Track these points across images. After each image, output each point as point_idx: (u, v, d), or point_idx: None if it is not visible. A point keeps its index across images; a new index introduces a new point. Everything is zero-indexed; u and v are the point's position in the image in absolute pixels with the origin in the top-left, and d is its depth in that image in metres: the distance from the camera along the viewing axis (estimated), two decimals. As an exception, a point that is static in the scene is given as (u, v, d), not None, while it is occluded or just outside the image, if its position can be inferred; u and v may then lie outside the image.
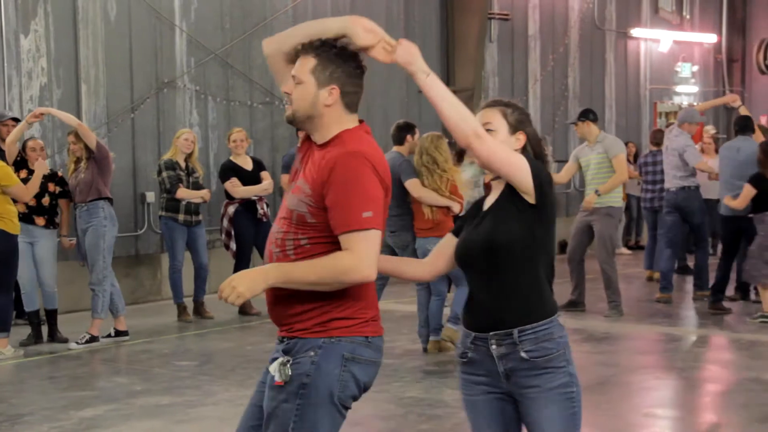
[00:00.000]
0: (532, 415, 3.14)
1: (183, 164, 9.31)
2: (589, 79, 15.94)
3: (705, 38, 17.98)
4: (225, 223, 9.61)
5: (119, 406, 6.34)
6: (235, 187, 9.55)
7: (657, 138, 11.58)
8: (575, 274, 9.62)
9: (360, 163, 2.91)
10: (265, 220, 9.74)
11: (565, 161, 15.26)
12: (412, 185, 7.64)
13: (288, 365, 2.96)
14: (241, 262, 9.70)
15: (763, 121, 18.24)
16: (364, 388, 3.04)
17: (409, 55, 2.98)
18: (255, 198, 9.66)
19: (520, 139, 3.22)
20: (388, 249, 7.78)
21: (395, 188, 7.80)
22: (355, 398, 3.02)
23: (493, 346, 3.12)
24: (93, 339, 8.30)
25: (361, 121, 3.10)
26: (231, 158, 9.77)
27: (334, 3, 12.50)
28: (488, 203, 3.25)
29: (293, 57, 3.11)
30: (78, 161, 8.41)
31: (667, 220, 10.35)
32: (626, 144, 14.95)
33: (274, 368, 2.99)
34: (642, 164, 11.93)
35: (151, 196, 10.67)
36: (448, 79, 13.90)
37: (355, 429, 5.78)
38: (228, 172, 9.62)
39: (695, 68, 17.84)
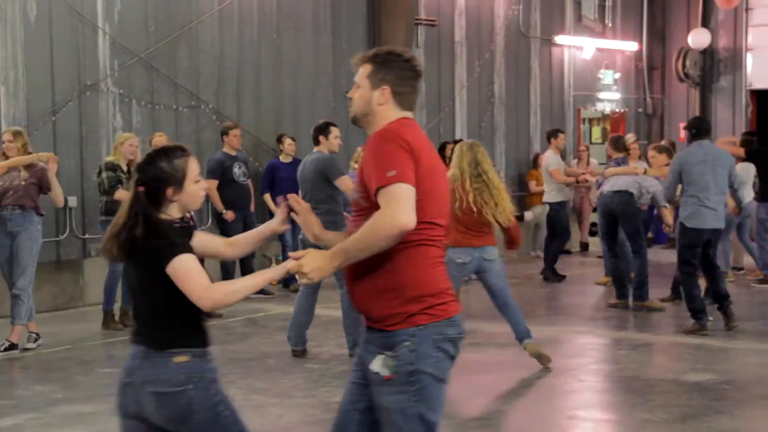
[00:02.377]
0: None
1: (125, 167, 9.17)
2: (514, 86, 16.12)
3: (626, 46, 18.32)
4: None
5: (39, 415, 6.20)
6: None
7: (619, 144, 11.53)
8: None
9: (385, 137, 3.28)
10: (191, 223, 9.61)
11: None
12: (343, 182, 7.69)
13: (391, 359, 3.25)
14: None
15: (681, 128, 18.71)
16: (453, 358, 3.36)
17: (319, 271, 3.19)
18: (180, 202, 9.53)
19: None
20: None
21: (326, 187, 7.83)
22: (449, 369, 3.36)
23: None
24: (12, 346, 8.11)
25: (412, 118, 3.44)
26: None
27: (260, 6, 12.43)
28: None
29: None
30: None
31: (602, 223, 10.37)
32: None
33: (378, 365, 3.27)
34: None
35: (73, 201, 10.47)
36: (375, 84, 13.89)
37: (282, 435, 5.76)
38: None
39: (617, 75, 18.17)
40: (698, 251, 8.67)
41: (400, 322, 3.26)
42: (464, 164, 7.35)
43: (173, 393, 3.36)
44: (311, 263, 3.18)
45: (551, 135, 13.04)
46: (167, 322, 3.42)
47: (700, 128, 8.92)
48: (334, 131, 8.02)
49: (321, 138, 7.96)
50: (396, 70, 3.41)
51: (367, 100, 3.42)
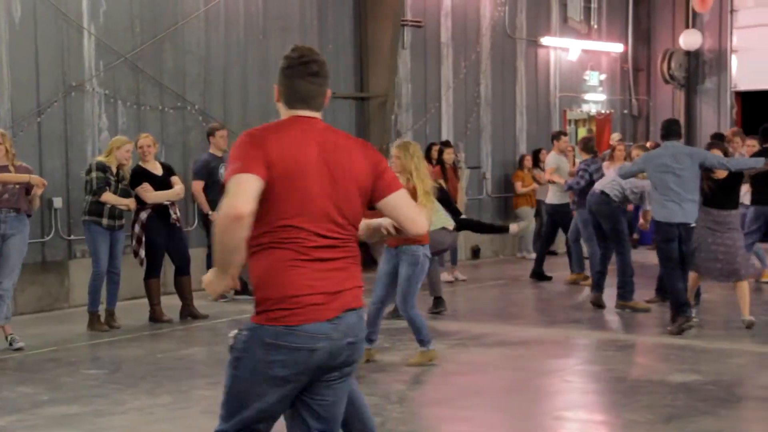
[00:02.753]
0: None
1: (115, 170, 9.14)
2: (500, 87, 16.14)
3: (612, 47, 18.38)
4: (137, 229, 9.44)
5: (24, 417, 6.18)
6: (147, 192, 9.40)
7: (588, 146, 11.57)
8: None
9: (239, 139, 3.36)
10: (178, 224, 9.62)
11: (478, 167, 15.52)
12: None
13: (234, 336, 3.41)
14: (153, 268, 9.56)
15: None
16: (284, 364, 3.30)
17: (210, 285, 3.42)
18: (167, 203, 9.52)
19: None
20: None
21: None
22: (285, 378, 3.31)
23: None
24: None
25: (302, 116, 3.43)
26: (139, 164, 9.60)
27: (247, 7, 12.41)
28: None
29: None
30: None
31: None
32: (539, 151, 15.24)
33: (231, 335, 3.45)
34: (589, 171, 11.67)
35: (58, 202, 10.42)
36: (362, 86, 13.93)
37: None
38: (139, 177, 9.46)
39: (603, 77, 18.22)
40: (674, 246, 8.77)
41: (253, 314, 3.36)
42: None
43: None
44: (206, 279, 3.41)
45: (554, 137, 13.19)
46: None
47: (668, 130, 9.09)
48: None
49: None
50: (280, 68, 3.48)
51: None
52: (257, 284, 3.34)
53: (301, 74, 3.43)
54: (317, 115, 3.45)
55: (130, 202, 9.23)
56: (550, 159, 12.96)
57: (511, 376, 7.27)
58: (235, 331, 3.42)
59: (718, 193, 8.90)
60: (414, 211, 3.57)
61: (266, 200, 3.25)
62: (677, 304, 8.78)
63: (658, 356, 7.99)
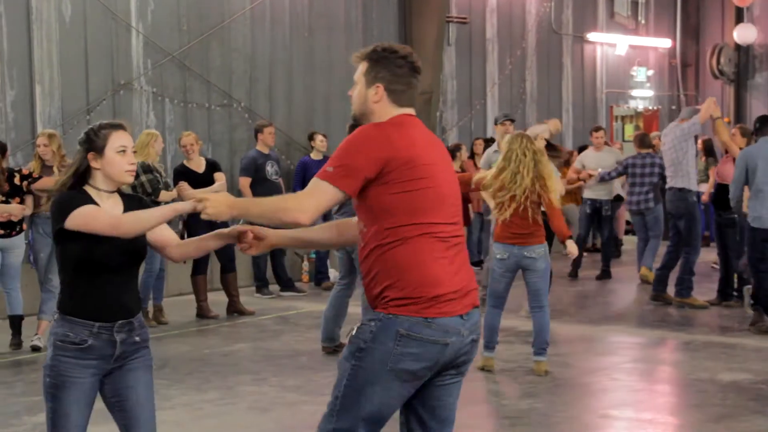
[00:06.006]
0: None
1: (157, 167, 9.20)
2: (546, 83, 16.05)
3: (660, 43, 18.18)
4: (180, 226, 9.53)
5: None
6: (184, 190, 9.44)
7: (644, 141, 11.50)
8: None
9: (361, 129, 3.33)
10: (219, 221, 9.66)
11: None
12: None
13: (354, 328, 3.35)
14: (199, 264, 9.64)
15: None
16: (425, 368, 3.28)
17: (216, 209, 3.42)
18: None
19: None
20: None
21: None
22: (413, 373, 3.26)
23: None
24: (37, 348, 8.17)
25: (410, 114, 3.43)
26: (184, 162, 9.68)
27: (292, 5, 12.46)
28: None
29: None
30: (44, 165, 8.31)
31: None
32: (585, 147, 15.09)
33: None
34: (629, 165, 11.64)
35: (106, 200, 10.54)
36: (406, 82, 13.89)
37: (314, 432, 5.77)
38: (177, 176, 9.53)
39: (650, 72, 18.03)
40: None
41: (382, 305, 3.32)
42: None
43: None
44: (214, 202, 3.38)
45: (590, 133, 13.10)
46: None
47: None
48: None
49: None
50: (390, 67, 3.40)
51: (363, 99, 3.44)
52: (392, 276, 3.28)
53: (415, 75, 3.44)
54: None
55: (178, 194, 9.22)
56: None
57: (556, 374, 7.22)
58: (357, 324, 3.37)
59: None
60: None
61: (400, 196, 3.27)
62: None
63: (708, 355, 7.89)
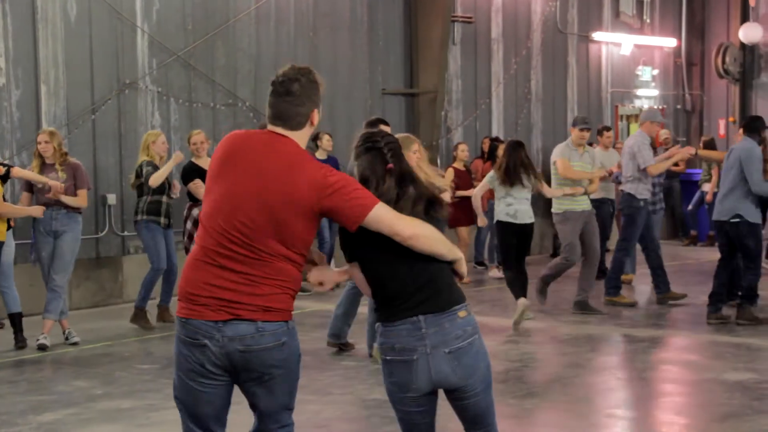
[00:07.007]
0: None
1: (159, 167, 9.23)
2: (551, 82, 16.03)
3: (665, 42, 18.14)
4: (189, 225, 9.52)
5: (79, 411, 6.27)
6: (199, 188, 9.47)
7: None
8: None
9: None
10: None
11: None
12: None
13: None
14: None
15: (720, 124, 18.48)
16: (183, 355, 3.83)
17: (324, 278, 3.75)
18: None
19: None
20: None
21: None
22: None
23: None
24: (43, 347, 8.19)
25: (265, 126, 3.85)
26: (192, 160, 9.69)
27: (297, 4, 12.46)
28: None
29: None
30: (44, 163, 8.32)
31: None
32: (590, 145, 15.05)
33: None
34: None
35: (112, 198, 10.56)
36: (412, 82, 13.92)
37: (320, 431, 5.77)
38: (191, 173, 9.53)
39: (655, 72, 18.00)
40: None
41: None
42: None
43: (465, 346, 3.48)
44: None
45: (598, 133, 13.06)
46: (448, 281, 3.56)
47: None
48: (384, 129, 8.02)
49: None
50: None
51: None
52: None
53: (272, 91, 3.73)
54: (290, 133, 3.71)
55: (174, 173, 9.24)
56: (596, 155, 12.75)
57: (562, 373, 7.22)
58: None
59: None
60: None
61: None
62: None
63: (713, 354, 7.88)
